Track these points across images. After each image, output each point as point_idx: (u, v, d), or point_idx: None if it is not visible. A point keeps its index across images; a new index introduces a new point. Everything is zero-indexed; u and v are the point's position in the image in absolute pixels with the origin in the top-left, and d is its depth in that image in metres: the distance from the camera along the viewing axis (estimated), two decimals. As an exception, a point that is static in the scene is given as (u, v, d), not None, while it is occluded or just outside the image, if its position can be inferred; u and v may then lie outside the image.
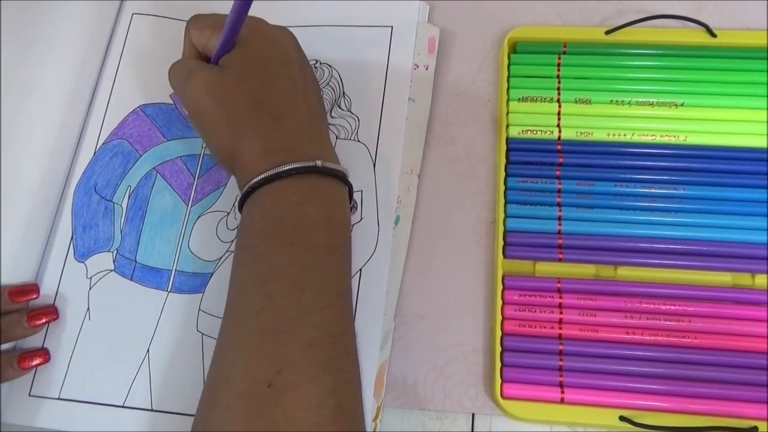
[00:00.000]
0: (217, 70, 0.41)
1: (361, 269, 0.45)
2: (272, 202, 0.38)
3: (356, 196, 0.47)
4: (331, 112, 0.50)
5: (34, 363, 0.44)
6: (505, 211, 0.46)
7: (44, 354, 0.44)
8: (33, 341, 0.45)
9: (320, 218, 0.37)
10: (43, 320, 0.44)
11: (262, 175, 0.37)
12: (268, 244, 0.37)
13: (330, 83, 0.51)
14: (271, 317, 0.35)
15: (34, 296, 0.45)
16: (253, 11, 0.52)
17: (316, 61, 0.51)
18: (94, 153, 0.50)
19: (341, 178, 0.39)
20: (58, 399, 0.44)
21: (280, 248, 0.36)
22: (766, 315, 0.42)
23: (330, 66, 0.51)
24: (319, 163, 0.38)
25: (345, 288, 0.37)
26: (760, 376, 0.40)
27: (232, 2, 0.37)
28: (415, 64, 0.51)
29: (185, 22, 0.49)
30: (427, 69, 0.51)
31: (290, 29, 0.52)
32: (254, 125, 0.39)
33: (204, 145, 0.50)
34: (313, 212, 0.37)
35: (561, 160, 0.47)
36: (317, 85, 0.46)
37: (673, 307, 0.42)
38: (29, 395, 0.44)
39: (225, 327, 0.37)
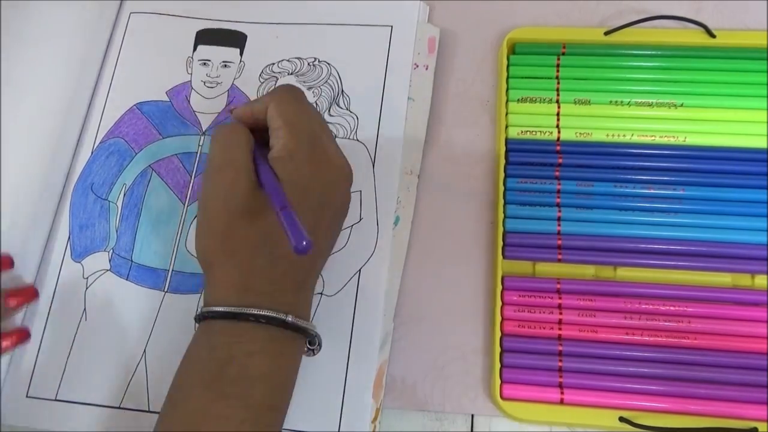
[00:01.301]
0: (251, 186, 0.36)
1: (360, 270, 0.45)
2: (224, 343, 0.35)
3: (355, 196, 0.46)
4: (329, 110, 0.50)
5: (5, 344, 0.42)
6: (504, 212, 0.46)
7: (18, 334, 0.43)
8: (31, 338, 0.45)
9: (265, 374, 0.35)
10: (21, 300, 0.43)
11: (226, 309, 0.35)
12: (202, 389, 0.35)
13: (329, 81, 0.50)
14: None
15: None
16: (255, 10, 0.53)
17: (315, 58, 0.51)
18: (92, 152, 0.50)
19: (306, 333, 0.37)
20: (55, 400, 0.43)
21: (213, 397, 0.34)
22: (766, 316, 0.42)
23: (329, 64, 0.51)
24: (289, 318, 0.36)
25: None
26: (760, 377, 0.41)
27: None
28: (415, 64, 0.50)
29: (182, 19, 0.49)
30: (427, 69, 0.50)
31: (289, 27, 0.52)
32: (246, 257, 0.36)
33: (201, 143, 0.49)
34: (260, 366, 0.35)
35: (560, 160, 0.47)
36: (342, 223, 0.42)
37: (672, 308, 0.42)
38: (27, 396, 0.44)
39: None
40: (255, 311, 0.35)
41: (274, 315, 0.35)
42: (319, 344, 0.40)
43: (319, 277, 0.43)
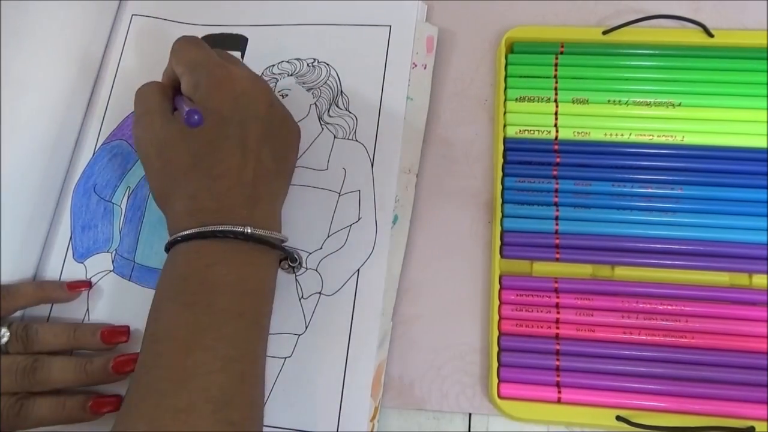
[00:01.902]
0: (165, 120, 0.41)
1: (358, 270, 0.45)
2: (184, 260, 0.38)
3: (353, 196, 0.47)
4: (328, 111, 0.50)
5: (105, 410, 0.41)
6: (502, 211, 0.46)
7: (117, 402, 0.42)
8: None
9: (228, 282, 0.37)
10: (128, 371, 0.42)
11: (183, 233, 0.38)
12: (169, 303, 0.37)
13: (328, 82, 0.51)
14: (155, 378, 0.34)
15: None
16: (255, 13, 0.53)
17: (314, 59, 0.51)
18: (94, 154, 0.50)
19: (273, 244, 0.39)
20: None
21: (179, 308, 0.36)
22: (765, 315, 0.42)
23: (328, 65, 0.51)
24: (248, 229, 0.38)
25: (245, 354, 0.36)
26: (758, 376, 0.40)
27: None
28: (414, 64, 0.51)
29: (184, 25, 0.49)
30: (425, 68, 0.51)
31: (289, 28, 0.52)
32: (188, 182, 0.39)
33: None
34: (221, 275, 0.37)
35: (558, 159, 0.47)
36: (287, 143, 0.44)
37: (670, 307, 0.42)
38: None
39: (130, 378, 0.36)
40: (202, 228, 0.37)
41: (222, 228, 0.37)
42: (298, 260, 0.42)
43: (284, 194, 0.44)
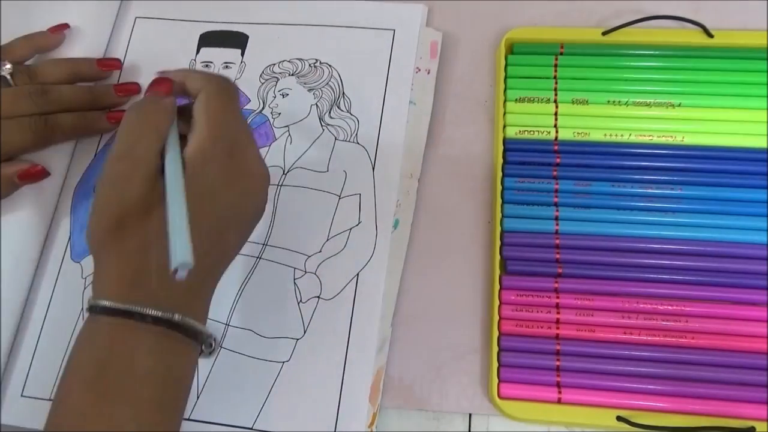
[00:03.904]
0: (146, 179, 0.35)
1: (358, 274, 0.45)
2: (107, 341, 0.33)
3: (354, 199, 0.47)
4: (330, 112, 0.50)
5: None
6: (502, 211, 0.46)
7: None
8: (28, 338, 0.45)
9: (151, 373, 0.33)
10: (128, 93, 0.50)
11: (112, 304, 0.33)
12: (85, 390, 0.33)
13: (330, 83, 0.51)
14: None
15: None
16: (257, 11, 0.53)
17: (316, 60, 0.51)
18: (95, 155, 0.50)
19: (199, 337, 0.35)
20: (51, 399, 0.43)
21: (95, 398, 0.32)
22: (765, 315, 0.42)
23: (330, 66, 0.51)
24: (177, 317, 0.33)
25: None
26: (758, 376, 0.40)
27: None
28: (417, 68, 0.51)
29: (187, 23, 0.49)
30: (428, 73, 0.51)
31: (291, 28, 0.51)
32: (138, 251, 0.34)
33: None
34: (145, 364, 0.33)
35: (558, 160, 0.47)
36: (252, 224, 0.39)
37: (670, 307, 0.42)
38: (21, 396, 0.44)
39: None
40: (141, 310, 0.33)
41: (161, 315, 0.33)
42: (214, 345, 0.38)
43: (216, 283, 0.38)
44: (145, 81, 0.52)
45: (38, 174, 0.45)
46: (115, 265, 0.34)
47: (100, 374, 0.33)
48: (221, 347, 0.44)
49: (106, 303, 0.33)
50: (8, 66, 0.46)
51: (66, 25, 0.50)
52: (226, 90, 0.38)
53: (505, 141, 0.48)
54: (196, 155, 0.35)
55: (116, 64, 0.52)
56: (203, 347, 0.37)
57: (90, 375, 0.33)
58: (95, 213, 0.35)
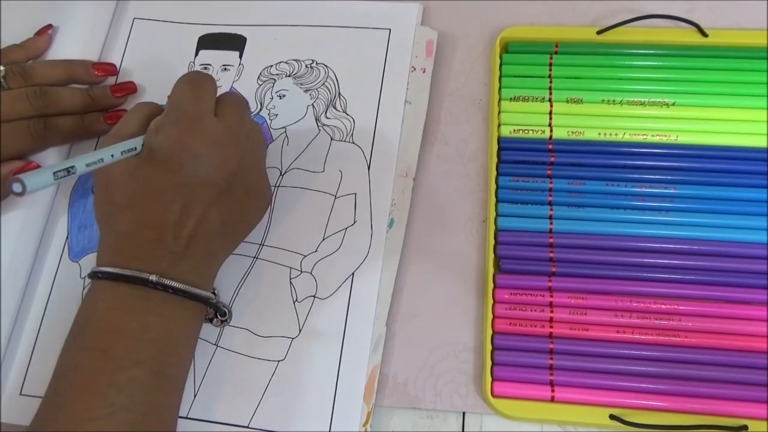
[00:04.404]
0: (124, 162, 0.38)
1: (353, 273, 0.45)
2: (91, 300, 0.37)
3: (349, 199, 0.47)
4: (326, 112, 0.50)
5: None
6: (496, 210, 0.46)
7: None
8: (26, 337, 0.45)
9: (129, 329, 0.36)
10: (125, 93, 0.50)
11: (96, 269, 0.37)
12: (72, 342, 0.37)
13: (326, 83, 0.51)
14: (50, 418, 0.34)
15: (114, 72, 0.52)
16: (254, 12, 0.53)
17: (312, 60, 0.52)
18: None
19: (190, 297, 0.38)
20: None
21: (78, 349, 0.36)
22: (759, 314, 0.42)
23: (326, 66, 0.51)
24: (153, 277, 0.36)
25: (139, 404, 0.35)
26: (751, 375, 0.40)
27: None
28: (413, 67, 0.51)
29: (185, 25, 0.50)
30: (424, 72, 0.51)
31: (288, 29, 0.51)
32: (118, 222, 0.38)
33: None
34: (121, 321, 0.36)
35: (552, 159, 0.47)
36: (247, 210, 0.43)
37: (663, 306, 0.42)
38: (20, 394, 0.44)
39: (40, 405, 0.36)
40: (112, 269, 0.36)
41: (129, 273, 0.36)
42: (222, 313, 0.42)
43: (227, 253, 0.43)
44: (142, 81, 0.52)
45: None
46: (106, 236, 0.39)
47: (83, 328, 0.36)
48: (229, 323, 0.44)
49: (106, 269, 0.37)
50: (1, 68, 0.46)
51: (50, 26, 0.51)
52: (188, 74, 0.43)
53: (499, 140, 0.48)
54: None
55: (112, 69, 0.52)
56: (218, 315, 0.42)
57: (77, 329, 0.36)
58: (94, 200, 0.41)
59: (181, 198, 0.38)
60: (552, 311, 0.43)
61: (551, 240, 0.45)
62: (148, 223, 0.37)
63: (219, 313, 0.43)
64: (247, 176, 0.41)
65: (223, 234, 0.41)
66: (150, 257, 0.37)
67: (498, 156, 0.47)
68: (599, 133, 0.47)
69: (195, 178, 0.38)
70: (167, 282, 0.37)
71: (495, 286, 0.44)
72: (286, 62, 0.52)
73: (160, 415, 0.36)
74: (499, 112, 0.49)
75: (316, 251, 0.46)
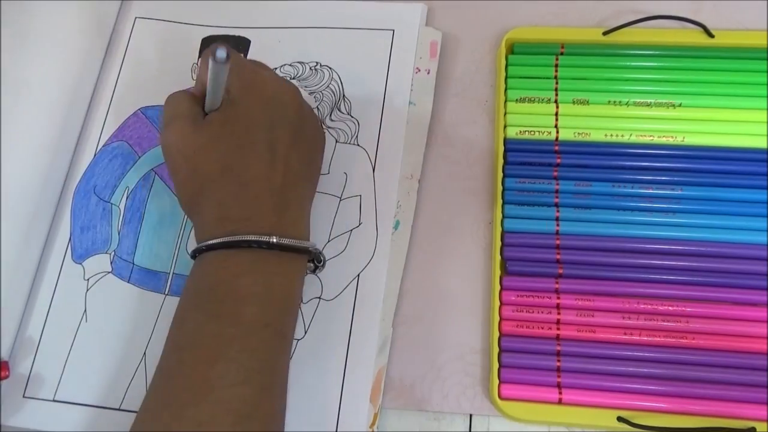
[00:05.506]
0: (195, 126, 0.39)
1: (358, 275, 0.45)
2: (212, 269, 0.37)
3: (354, 201, 0.47)
4: (330, 115, 0.50)
5: None
6: (502, 212, 0.46)
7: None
8: (29, 338, 0.45)
9: (255, 293, 0.36)
10: None
11: (210, 242, 0.37)
12: (195, 311, 0.37)
13: (330, 86, 0.51)
14: (176, 387, 0.34)
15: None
16: (259, 15, 0.53)
17: (317, 63, 0.51)
18: (95, 155, 0.50)
19: (301, 251, 0.39)
20: (53, 401, 0.44)
21: (205, 318, 0.36)
22: (765, 316, 0.42)
23: (330, 68, 0.51)
24: (274, 239, 0.37)
25: (268, 366, 0.36)
26: (759, 377, 0.40)
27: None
28: (417, 68, 0.50)
29: (188, 26, 0.49)
30: (428, 73, 0.51)
31: (292, 31, 0.51)
32: (217, 189, 0.38)
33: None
34: (248, 285, 0.36)
35: (558, 160, 0.46)
36: (314, 146, 0.44)
37: (670, 308, 0.42)
38: (23, 396, 0.44)
39: (150, 384, 0.36)
40: (228, 238, 0.37)
41: (251, 238, 0.37)
42: (322, 261, 0.42)
43: (312, 198, 0.43)
44: (144, 81, 0.52)
45: None
46: (204, 210, 0.39)
47: (208, 297, 0.37)
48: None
49: (205, 243, 0.37)
50: None
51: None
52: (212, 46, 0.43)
53: (505, 141, 0.48)
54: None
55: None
56: (314, 261, 0.41)
57: (201, 299, 0.37)
58: (173, 179, 0.41)
59: (266, 145, 0.39)
60: (559, 313, 0.43)
61: (558, 242, 0.44)
62: (246, 180, 0.38)
63: (316, 260, 0.42)
64: (306, 111, 0.42)
65: (305, 177, 0.42)
66: (257, 216, 0.38)
67: (504, 157, 0.47)
68: (605, 135, 0.47)
69: (273, 121, 0.39)
70: (286, 242, 0.37)
71: (502, 288, 0.44)
72: (290, 65, 0.52)
73: (283, 375, 0.38)
74: (505, 114, 0.48)
75: (321, 253, 0.46)
